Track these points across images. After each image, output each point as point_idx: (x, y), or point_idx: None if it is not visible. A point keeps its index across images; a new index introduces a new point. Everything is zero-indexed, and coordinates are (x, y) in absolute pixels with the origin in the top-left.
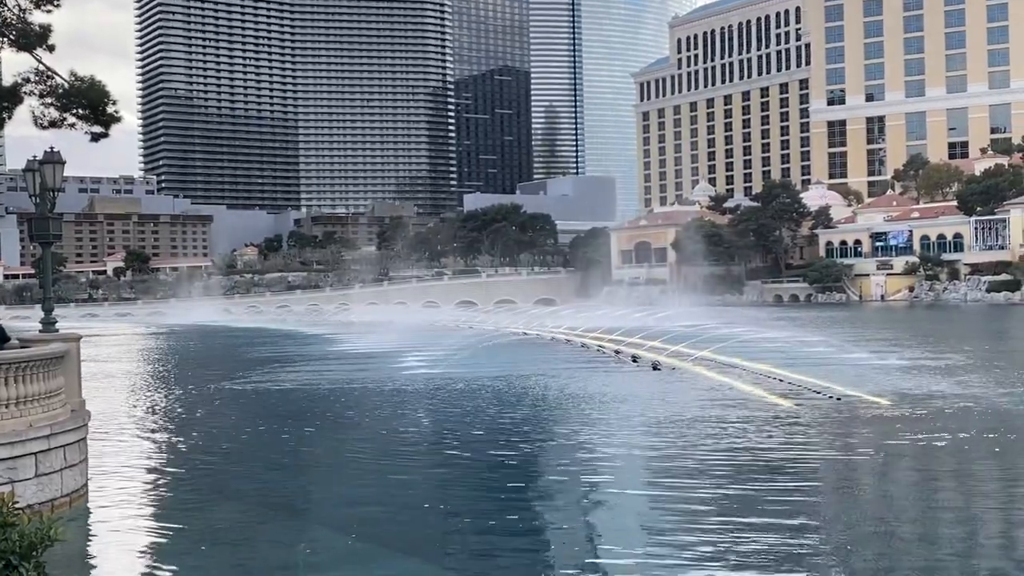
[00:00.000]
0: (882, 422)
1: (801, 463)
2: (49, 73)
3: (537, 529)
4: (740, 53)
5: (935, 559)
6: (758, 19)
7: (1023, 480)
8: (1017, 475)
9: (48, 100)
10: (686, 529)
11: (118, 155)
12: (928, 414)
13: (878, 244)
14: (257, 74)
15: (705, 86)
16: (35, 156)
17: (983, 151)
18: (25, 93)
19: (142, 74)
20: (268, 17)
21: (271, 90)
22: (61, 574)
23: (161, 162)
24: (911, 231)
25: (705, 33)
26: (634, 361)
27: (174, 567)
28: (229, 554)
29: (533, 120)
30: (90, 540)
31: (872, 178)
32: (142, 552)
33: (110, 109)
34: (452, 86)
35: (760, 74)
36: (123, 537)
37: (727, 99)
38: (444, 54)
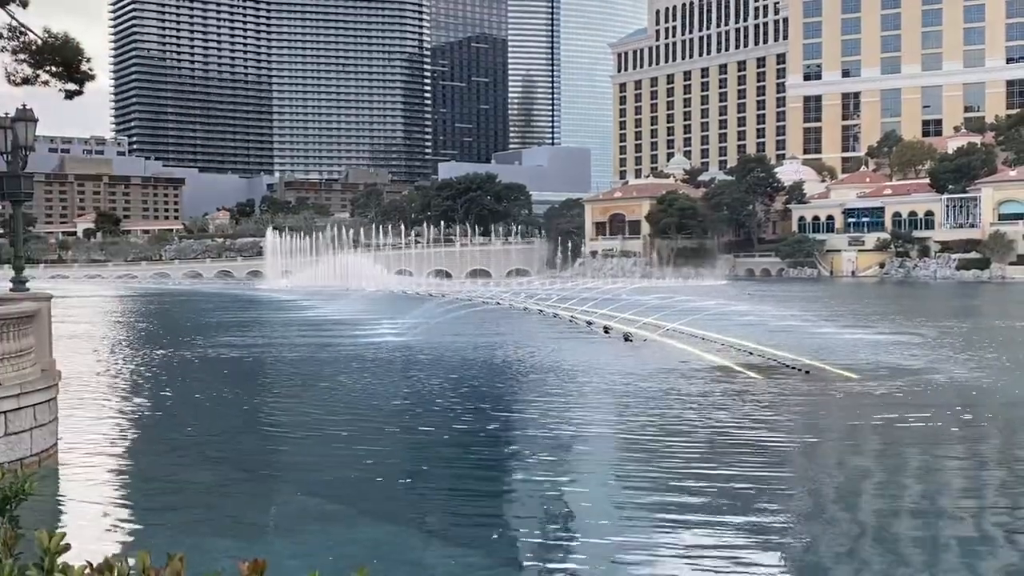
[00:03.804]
0: (852, 396)
1: (770, 437)
2: (23, 29)
3: (502, 496)
4: (718, 26)
5: (902, 540)
6: None
7: (989, 454)
8: (983, 449)
9: (21, 56)
10: (649, 503)
11: (89, 116)
12: (897, 388)
13: (850, 220)
14: (231, 36)
15: (683, 58)
16: (7, 113)
17: (956, 129)
18: None
19: (114, 34)
20: None
21: (245, 53)
22: (28, 531)
23: (133, 123)
24: (883, 208)
25: (684, 5)
26: (606, 332)
27: (143, 526)
28: (198, 514)
29: (510, 89)
30: (59, 498)
31: (846, 154)
32: (111, 511)
33: (84, 67)
34: (428, 53)
35: (738, 47)
36: (92, 496)
37: (704, 72)
38: (421, 20)
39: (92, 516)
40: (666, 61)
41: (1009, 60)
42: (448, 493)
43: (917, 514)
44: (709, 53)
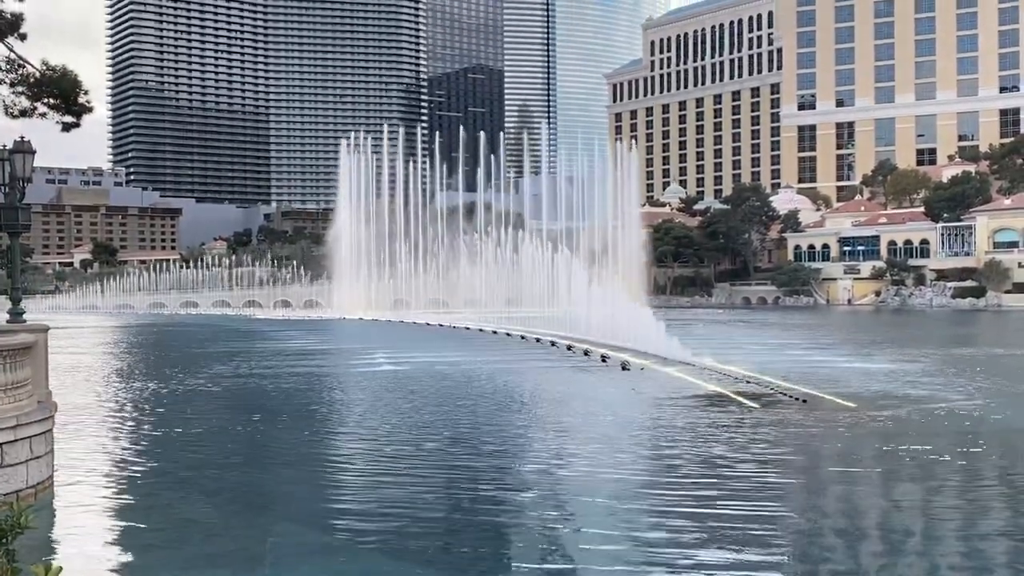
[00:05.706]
0: (851, 426)
1: (766, 469)
2: (20, 62)
3: (497, 530)
4: (713, 56)
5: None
6: (731, 23)
7: (988, 487)
8: (982, 482)
9: (19, 89)
10: (645, 535)
11: (87, 146)
12: (897, 417)
13: (846, 248)
14: (229, 67)
15: (678, 88)
16: (4, 145)
17: (951, 158)
18: None
19: (112, 64)
20: (241, 10)
21: (243, 83)
22: (25, 564)
23: (130, 154)
24: (879, 236)
25: (678, 36)
26: (603, 360)
27: (140, 559)
28: (195, 546)
29: (506, 119)
30: (55, 531)
31: (841, 183)
32: (108, 544)
33: (82, 99)
34: (425, 83)
35: (732, 78)
36: (88, 529)
37: (699, 102)
38: (418, 51)
39: (88, 549)
40: (661, 91)
41: (1002, 89)
42: (445, 526)
43: (921, 551)
44: (704, 83)
